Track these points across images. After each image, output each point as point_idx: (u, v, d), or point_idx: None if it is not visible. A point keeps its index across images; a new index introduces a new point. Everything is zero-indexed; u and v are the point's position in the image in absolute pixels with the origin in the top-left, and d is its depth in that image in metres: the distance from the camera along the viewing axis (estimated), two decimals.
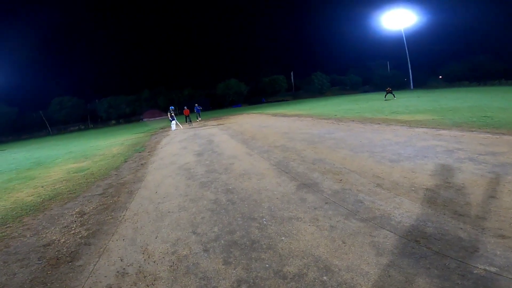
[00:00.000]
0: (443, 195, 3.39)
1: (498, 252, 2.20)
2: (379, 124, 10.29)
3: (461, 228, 2.61)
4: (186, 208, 4.11)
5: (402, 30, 57.14)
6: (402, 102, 20.33)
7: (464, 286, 1.89)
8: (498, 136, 6.33)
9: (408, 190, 3.68)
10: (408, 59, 57.73)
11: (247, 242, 2.88)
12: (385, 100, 25.28)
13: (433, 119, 10.02)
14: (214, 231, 3.23)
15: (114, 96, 68.79)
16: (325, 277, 2.17)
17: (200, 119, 23.91)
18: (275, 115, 21.72)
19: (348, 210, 3.34)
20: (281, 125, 13.78)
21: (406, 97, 27.50)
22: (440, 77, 71.30)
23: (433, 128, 8.28)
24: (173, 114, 18.95)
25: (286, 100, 68.69)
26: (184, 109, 23.40)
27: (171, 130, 18.55)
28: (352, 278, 2.12)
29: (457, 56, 65.54)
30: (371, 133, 8.53)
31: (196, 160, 7.64)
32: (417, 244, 2.44)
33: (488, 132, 6.89)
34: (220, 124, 18.94)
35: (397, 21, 56.53)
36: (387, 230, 2.76)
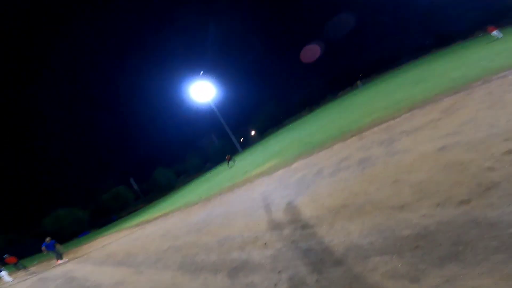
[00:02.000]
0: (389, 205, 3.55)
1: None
2: (244, 185, 10.68)
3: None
4: None
5: (211, 102, 63.34)
6: (243, 163, 22.67)
7: None
8: (330, 149, 8.00)
9: (348, 215, 3.63)
10: (226, 127, 64.17)
11: None
12: (230, 167, 27.64)
13: (278, 161, 11.52)
14: None
15: None
16: None
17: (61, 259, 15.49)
18: (137, 225, 18.56)
19: (313, 269, 2.79)
20: (153, 230, 11.70)
21: (242, 158, 31.27)
22: (253, 132, 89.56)
23: (287, 166, 9.38)
24: None
25: (140, 209, 62.17)
26: (5, 257, 18.42)
27: (5, 282, 14.27)
28: None
29: (258, 111, 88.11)
30: (246, 194, 8.55)
31: None
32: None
33: (321, 150, 8.59)
34: (74, 258, 14.10)
35: (204, 94, 60.69)
36: (380, 258, 2.43)
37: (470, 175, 2.90)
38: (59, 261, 15.39)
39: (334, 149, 7.68)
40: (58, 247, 15.79)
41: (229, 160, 30.29)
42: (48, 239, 15.89)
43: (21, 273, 17.32)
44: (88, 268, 8.97)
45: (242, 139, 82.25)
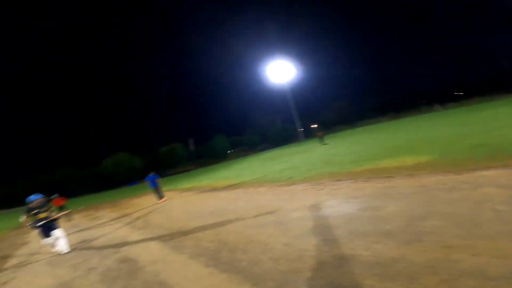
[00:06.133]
0: None
1: None
2: (384, 178, 7.41)
3: None
4: None
5: (286, 84, 60.46)
6: (328, 149, 19.31)
7: None
8: None
9: None
10: (296, 113, 60.64)
11: None
12: (323, 144, 26.01)
13: (428, 160, 7.98)
14: None
15: None
16: None
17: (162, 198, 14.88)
18: (197, 190, 16.56)
19: None
20: (233, 205, 8.72)
21: (315, 145, 27.63)
22: (316, 125, 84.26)
23: (475, 169, 5.86)
24: (42, 215, 7.24)
25: (190, 170, 62.85)
26: (53, 197, 15.64)
27: (46, 243, 7.55)
28: None
29: (328, 104, 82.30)
30: (419, 195, 5.15)
31: None
32: None
33: None
34: (123, 216, 12.68)
35: (281, 75, 59.28)
36: None
37: None
38: (161, 200, 14.49)
39: None
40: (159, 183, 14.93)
41: (322, 136, 28.42)
42: (151, 172, 14.99)
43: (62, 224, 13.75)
44: (151, 246, 6.78)
45: (302, 129, 78.38)
